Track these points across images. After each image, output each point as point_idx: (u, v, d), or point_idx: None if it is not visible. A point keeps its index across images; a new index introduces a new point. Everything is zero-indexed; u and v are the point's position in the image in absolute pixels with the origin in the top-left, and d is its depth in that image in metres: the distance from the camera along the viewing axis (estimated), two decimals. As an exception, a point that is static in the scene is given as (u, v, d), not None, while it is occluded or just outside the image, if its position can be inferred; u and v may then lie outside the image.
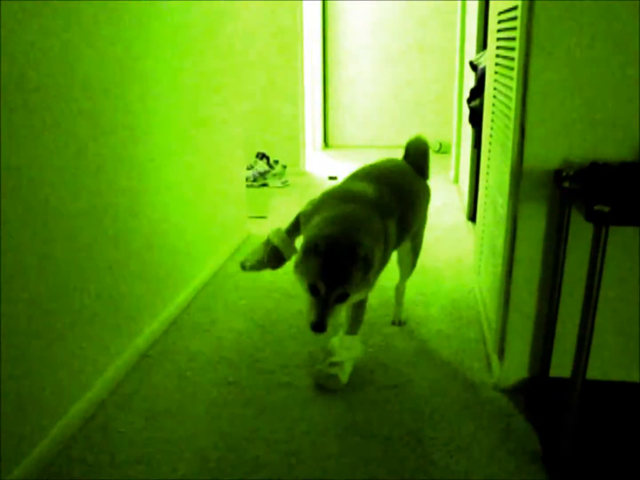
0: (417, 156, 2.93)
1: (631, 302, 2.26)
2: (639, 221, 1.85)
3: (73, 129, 2.14)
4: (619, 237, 2.14)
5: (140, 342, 2.73)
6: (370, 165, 2.76)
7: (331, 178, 6.20)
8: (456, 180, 5.93)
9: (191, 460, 2.06)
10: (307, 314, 2.12)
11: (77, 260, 2.19)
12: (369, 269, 2.11)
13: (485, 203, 3.11)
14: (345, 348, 2.53)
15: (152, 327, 2.85)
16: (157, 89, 2.85)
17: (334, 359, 2.50)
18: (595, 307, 1.82)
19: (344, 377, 2.47)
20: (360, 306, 2.50)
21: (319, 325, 2.05)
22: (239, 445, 2.13)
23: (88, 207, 2.25)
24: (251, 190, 5.54)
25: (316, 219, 2.30)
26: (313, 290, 2.07)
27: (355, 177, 2.64)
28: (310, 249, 2.09)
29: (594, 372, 2.19)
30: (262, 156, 6.08)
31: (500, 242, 2.51)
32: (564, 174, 2.03)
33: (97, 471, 2.00)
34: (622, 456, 2.01)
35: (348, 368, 2.51)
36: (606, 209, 1.66)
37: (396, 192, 2.53)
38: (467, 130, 4.94)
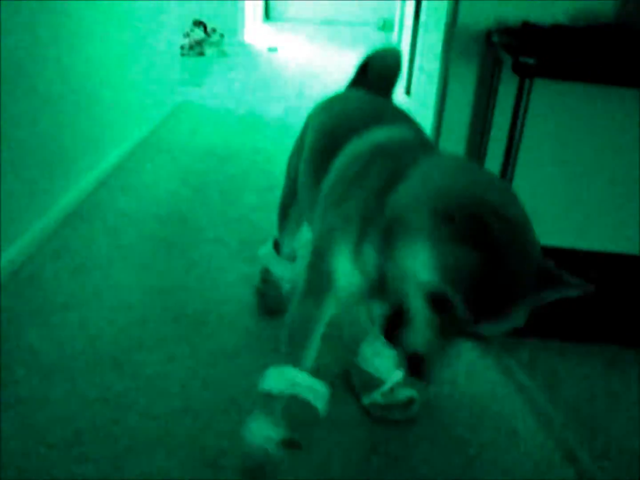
0: (386, 75, 1.80)
1: (550, 163, 2.33)
2: (563, 75, 1.87)
3: None
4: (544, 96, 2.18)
5: (69, 199, 2.69)
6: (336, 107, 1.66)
7: (271, 50, 6.05)
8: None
9: (118, 308, 2.08)
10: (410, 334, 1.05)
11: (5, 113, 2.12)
12: None
13: (419, 70, 3.11)
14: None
15: (81, 185, 2.80)
16: None
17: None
18: (515, 162, 1.87)
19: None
20: None
21: (418, 368, 1.05)
22: (165, 296, 2.16)
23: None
24: (187, 58, 5.39)
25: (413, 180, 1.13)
26: (440, 305, 1.00)
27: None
28: (465, 229, 0.96)
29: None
30: (199, 24, 5.86)
31: (431, 105, 2.52)
32: (495, 31, 2.04)
33: (25, 318, 2.01)
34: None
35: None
36: (531, 60, 1.68)
37: None
38: (411, 5, 4.85)
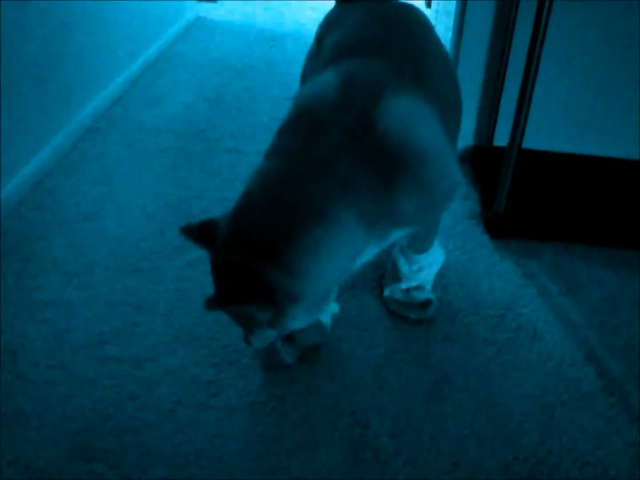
0: None
1: (576, 74, 2.26)
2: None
3: None
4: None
5: (86, 114, 2.66)
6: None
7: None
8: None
9: (138, 217, 2.08)
10: None
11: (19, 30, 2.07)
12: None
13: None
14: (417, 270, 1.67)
15: (98, 101, 2.77)
16: None
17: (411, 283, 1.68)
18: (536, 70, 1.80)
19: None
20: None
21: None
22: (184, 205, 2.15)
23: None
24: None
25: None
26: None
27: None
28: None
29: (535, 142, 2.24)
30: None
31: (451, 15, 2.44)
32: None
33: (47, 229, 2.02)
34: (548, 216, 2.11)
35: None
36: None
37: None
38: None
